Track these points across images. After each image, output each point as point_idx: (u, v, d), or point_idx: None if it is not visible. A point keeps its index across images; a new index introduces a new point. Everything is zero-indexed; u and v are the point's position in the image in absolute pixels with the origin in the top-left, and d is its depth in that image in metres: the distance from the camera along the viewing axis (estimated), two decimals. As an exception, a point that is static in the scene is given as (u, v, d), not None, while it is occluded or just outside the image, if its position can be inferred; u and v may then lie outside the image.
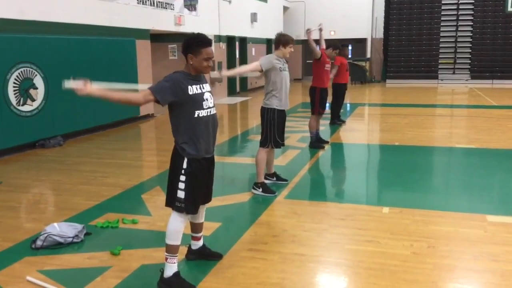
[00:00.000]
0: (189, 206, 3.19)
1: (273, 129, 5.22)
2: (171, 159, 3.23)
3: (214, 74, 4.91)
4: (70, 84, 2.94)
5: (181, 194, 3.16)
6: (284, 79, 5.19)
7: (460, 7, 21.20)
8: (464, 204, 4.95)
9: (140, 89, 3.10)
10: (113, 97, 3.02)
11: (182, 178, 3.16)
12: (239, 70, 5.21)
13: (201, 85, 3.18)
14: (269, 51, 19.17)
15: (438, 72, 20.85)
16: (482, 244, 3.89)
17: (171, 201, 3.22)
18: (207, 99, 3.17)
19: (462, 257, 3.66)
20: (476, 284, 3.28)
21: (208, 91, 3.21)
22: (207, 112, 3.17)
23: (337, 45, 7.96)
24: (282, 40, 5.19)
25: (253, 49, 18.50)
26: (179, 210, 3.19)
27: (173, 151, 3.23)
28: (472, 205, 4.91)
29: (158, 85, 3.07)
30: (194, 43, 3.10)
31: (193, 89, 3.11)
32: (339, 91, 9.83)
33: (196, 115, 3.12)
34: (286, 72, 5.25)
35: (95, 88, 2.97)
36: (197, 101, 3.12)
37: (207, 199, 3.43)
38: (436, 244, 3.89)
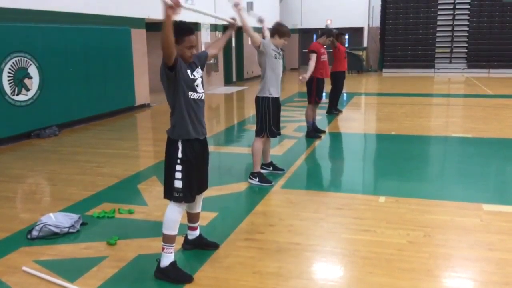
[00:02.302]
0: (187, 195, 3.19)
1: (268, 118, 5.21)
2: (165, 151, 3.23)
3: None
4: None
5: (178, 184, 3.16)
6: (277, 67, 5.19)
7: (457, -4, 21.14)
8: (460, 193, 4.96)
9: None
10: (169, 31, 2.89)
11: (178, 167, 3.16)
12: (247, 23, 5.16)
13: (195, 70, 3.23)
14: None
15: (435, 62, 20.81)
16: (478, 233, 3.90)
17: (169, 192, 3.21)
18: (198, 85, 3.22)
19: (458, 246, 3.68)
20: (471, 273, 3.29)
21: (200, 77, 3.26)
22: (199, 96, 3.23)
23: (330, 32, 7.89)
24: (280, 31, 5.18)
25: (249, 38, 18.39)
26: (177, 200, 3.19)
27: (166, 142, 3.23)
28: (468, 194, 4.92)
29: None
30: (176, 31, 3.07)
31: (189, 72, 3.16)
32: (338, 80, 9.80)
33: (189, 96, 3.16)
34: (280, 61, 5.24)
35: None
36: (192, 83, 3.17)
37: (204, 187, 3.43)
38: (432, 233, 3.90)
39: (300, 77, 6.81)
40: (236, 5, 4.84)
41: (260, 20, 5.40)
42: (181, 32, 3.08)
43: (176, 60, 3.03)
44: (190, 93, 3.16)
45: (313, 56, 7.38)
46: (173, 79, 3.09)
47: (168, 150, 3.21)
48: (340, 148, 7.69)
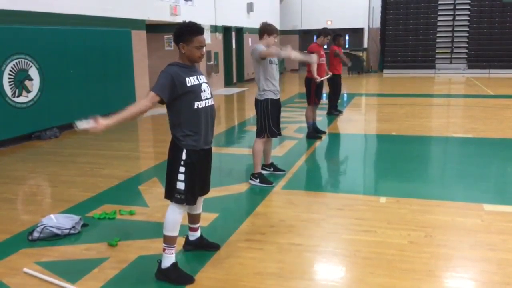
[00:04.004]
0: (188, 197, 3.18)
1: (267, 118, 5.20)
2: (169, 151, 3.22)
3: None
4: (83, 125, 2.90)
5: (180, 186, 3.15)
6: (270, 72, 5.15)
7: (457, -4, 21.16)
8: (461, 194, 4.96)
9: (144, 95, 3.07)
10: (126, 117, 3.02)
11: (182, 169, 3.14)
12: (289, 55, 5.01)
13: (197, 76, 3.16)
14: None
15: (435, 62, 20.82)
16: (479, 233, 3.90)
17: (170, 193, 3.20)
18: (204, 90, 3.16)
19: (459, 246, 3.67)
20: (472, 273, 3.29)
21: (205, 82, 3.20)
22: (206, 103, 3.16)
23: (327, 31, 7.89)
24: (267, 29, 5.15)
25: (250, 39, 18.42)
26: (178, 201, 3.18)
27: (170, 143, 3.22)
28: (469, 195, 4.92)
29: (159, 84, 3.03)
30: (185, 32, 3.07)
31: (190, 81, 3.09)
32: (335, 81, 9.81)
33: (195, 107, 3.10)
34: (275, 66, 5.22)
35: (107, 121, 2.95)
36: (196, 92, 3.10)
37: (205, 190, 3.42)
38: (433, 233, 3.90)
39: (317, 79, 7.35)
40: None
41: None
42: (190, 32, 3.07)
43: (161, 96, 3.00)
44: (195, 103, 3.09)
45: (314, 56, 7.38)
46: (175, 96, 3.05)
47: (172, 151, 3.19)
48: (340, 149, 7.69)
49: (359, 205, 4.63)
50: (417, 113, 10.38)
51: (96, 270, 3.36)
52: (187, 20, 3.20)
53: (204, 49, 3.16)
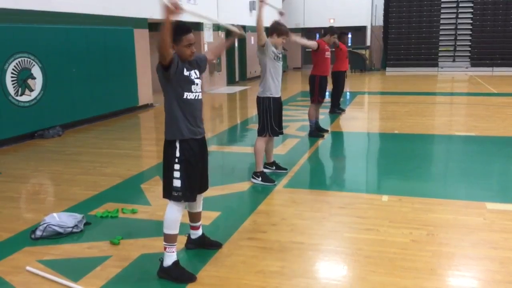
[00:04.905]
0: (186, 194, 3.20)
1: (269, 117, 5.21)
2: (163, 151, 3.25)
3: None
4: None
5: (177, 183, 3.17)
6: (276, 69, 5.19)
7: (460, -6, 21.07)
8: (463, 192, 4.95)
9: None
10: (167, 33, 2.90)
11: (177, 166, 3.17)
12: (262, 21, 5.23)
13: (193, 71, 3.24)
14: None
15: (438, 60, 20.76)
16: (481, 232, 3.89)
17: (168, 192, 3.22)
18: (197, 84, 3.25)
19: (461, 245, 3.67)
20: (475, 272, 3.29)
21: (198, 78, 3.28)
22: (195, 96, 3.23)
23: (333, 29, 7.93)
24: (278, 29, 5.17)
25: (252, 38, 18.40)
26: (176, 199, 3.20)
27: (164, 143, 3.26)
28: (471, 193, 4.91)
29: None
30: (174, 32, 3.08)
31: (186, 72, 3.18)
32: (339, 79, 9.81)
33: (185, 96, 3.17)
34: (279, 63, 5.23)
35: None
36: (188, 83, 3.18)
37: (204, 187, 3.43)
38: (435, 231, 3.90)
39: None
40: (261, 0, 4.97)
41: (281, 13, 5.84)
42: (178, 32, 3.10)
43: (172, 60, 3.04)
44: (185, 93, 3.17)
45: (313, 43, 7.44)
46: (170, 78, 3.11)
47: (166, 150, 3.23)
48: (343, 147, 7.68)
49: (361, 203, 4.62)
50: (419, 111, 10.36)
51: (99, 268, 3.37)
52: (190, 20, 3.21)
53: (194, 47, 3.20)
